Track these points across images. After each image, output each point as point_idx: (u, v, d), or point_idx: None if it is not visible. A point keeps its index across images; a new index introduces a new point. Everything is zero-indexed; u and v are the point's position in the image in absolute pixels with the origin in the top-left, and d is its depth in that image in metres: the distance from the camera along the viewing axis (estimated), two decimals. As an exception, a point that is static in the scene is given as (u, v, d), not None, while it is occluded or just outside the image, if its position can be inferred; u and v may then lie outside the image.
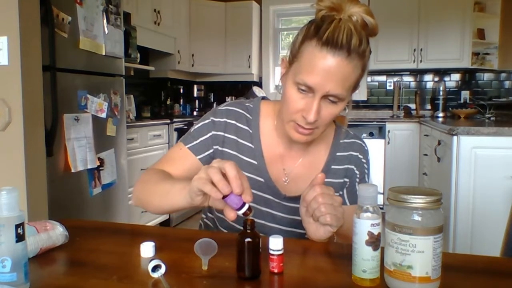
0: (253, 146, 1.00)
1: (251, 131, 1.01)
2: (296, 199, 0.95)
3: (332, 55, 0.81)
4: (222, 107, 1.03)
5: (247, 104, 1.04)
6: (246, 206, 0.69)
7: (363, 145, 1.07)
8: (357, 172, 1.04)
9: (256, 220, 0.96)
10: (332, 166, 1.02)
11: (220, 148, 1.00)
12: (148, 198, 0.91)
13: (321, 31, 0.82)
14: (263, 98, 1.07)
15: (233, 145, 1.00)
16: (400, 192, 0.62)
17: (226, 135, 1.00)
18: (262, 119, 1.02)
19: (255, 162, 0.99)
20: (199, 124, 1.02)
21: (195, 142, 0.99)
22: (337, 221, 0.79)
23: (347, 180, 1.03)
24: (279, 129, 1.01)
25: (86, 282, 0.67)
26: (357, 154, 1.05)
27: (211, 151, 1.00)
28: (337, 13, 0.83)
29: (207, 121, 1.01)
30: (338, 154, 1.03)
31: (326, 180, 0.99)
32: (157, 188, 0.88)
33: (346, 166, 1.03)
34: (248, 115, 1.02)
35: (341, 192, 1.03)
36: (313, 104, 0.84)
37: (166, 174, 0.93)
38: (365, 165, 1.06)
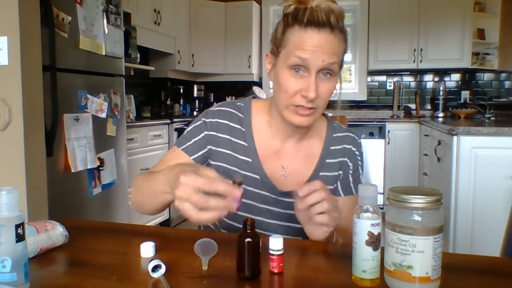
0: (246, 144, 1.01)
1: (243, 130, 1.02)
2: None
3: (317, 33, 0.86)
4: (214, 108, 1.05)
5: (238, 104, 1.06)
6: (235, 203, 0.68)
7: (356, 138, 1.09)
8: (350, 164, 1.06)
9: (254, 217, 0.97)
10: (327, 160, 1.04)
11: (213, 148, 1.01)
12: (141, 202, 0.93)
13: (299, 16, 0.87)
14: (254, 97, 1.09)
15: (227, 144, 1.01)
16: (400, 192, 0.62)
17: (219, 135, 1.01)
18: (254, 117, 1.04)
19: (250, 160, 1.00)
20: (192, 127, 1.04)
21: (188, 144, 1.01)
22: (333, 221, 0.79)
23: (341, 172, 1.05)
24: (272, 125, 1.02)
25: (86, 282, 0.67)
26: (350, 146, 1.06)
27: (205, 150, 1.01)
28: (304, 6, 0.88)
29: (199, 122, 1.03)
30: (332, 148, 1.05)
31: (321, 173, 1.02)
32: (144, 191, 0.89)
33: (340, 159, 1.05)
34: (239, 114, 1.04)
35: (335, 185, 1.04)
36: (310, 81, 0.87)
37: (151, 173, 0.93)
38: (358, 157, 1.08)
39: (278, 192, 1.00)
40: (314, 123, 1.06)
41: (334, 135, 1.06)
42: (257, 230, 0.69)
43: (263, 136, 1.03)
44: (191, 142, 1.01)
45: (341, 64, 0.93)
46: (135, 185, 0.96)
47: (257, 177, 0.99)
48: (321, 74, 0.88)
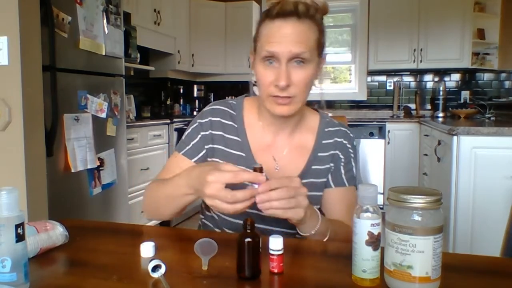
0: (240, 140, 1.04)
1: (236, 126, 1.05)
2: None
3: (284, 22, 0.89)
4: (207, 107, 1.09)
5: (230, 102, 1.09)
6: (259, 187, 0.74)
7: (348, 132, 1.11)
8: (342, 156, 1.07)
9: (249, 210, 0.97)
10: (319, 154, 1.06)
11: (211, 146, 1.04)
12: (157, 208, 0.97)
13: (270, 11, 0.92)
14: (247, 95, 1.12)
15: (220, 140, 1.04)
16: (400, 192, 0.62)
17: (213, 132, 1.04)
18: (246, 113, 1.07)
19: (243, 154, 1.03)
20: (189, 130, 1.08)
21: (187, 148, 1.05)
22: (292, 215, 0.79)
23: (332, 165, 1.06)
24: (262, 119, 1.05)
25: (86, 282, 0.67)
26: (342, 139, 1.08)
27: (203, 152, 1.05)
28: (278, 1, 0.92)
29: (195, 125, 1.07)
30: (324, 142, 1.07)
31: (313, 167, 1.04)
32: (160, 198, 0.93)
33: (331, 152, 1.07)
34: (231, 111, 1.07)
35: (327, 178, 1.06)
36: (281, 70, 0.90)
37: (164, 180, 0.96)
38: (350, 150, 1.09)
39: None
40: (306, 118, 1.07)
41: (326, 129, 1.08)
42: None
43: (255, 131, 1.05)
44: (190, 146, 1.05)
45: (318, 52, 0.94)
46: (148, 194, 1.00)
47: (251, 171, 1.00)
48: (294, 63, 0.91)
